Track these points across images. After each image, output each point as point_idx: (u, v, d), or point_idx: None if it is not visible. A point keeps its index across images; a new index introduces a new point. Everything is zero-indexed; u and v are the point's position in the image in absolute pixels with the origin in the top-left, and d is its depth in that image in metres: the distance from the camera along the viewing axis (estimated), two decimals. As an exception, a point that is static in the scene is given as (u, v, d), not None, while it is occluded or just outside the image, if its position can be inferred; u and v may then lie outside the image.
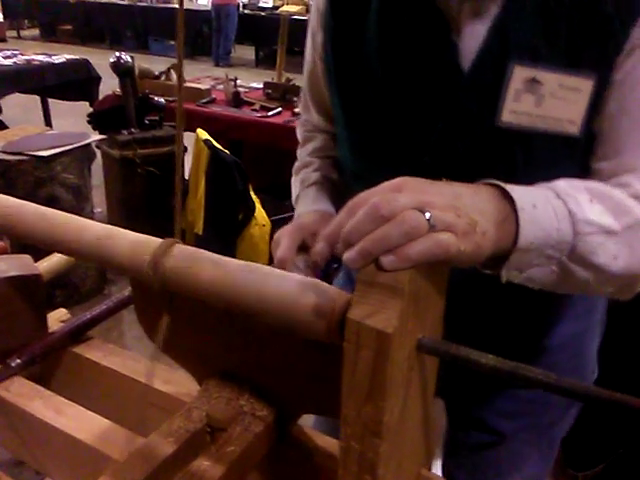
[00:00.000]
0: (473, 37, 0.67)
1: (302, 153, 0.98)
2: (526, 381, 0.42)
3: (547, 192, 0.56)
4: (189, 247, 0.56)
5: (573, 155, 0.68)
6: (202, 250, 0.55)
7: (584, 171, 0.68)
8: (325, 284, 0.50)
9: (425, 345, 0.46)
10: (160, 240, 0.56)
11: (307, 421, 0.69)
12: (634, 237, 0.58)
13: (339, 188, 0.89)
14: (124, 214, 3.03)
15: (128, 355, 0.78)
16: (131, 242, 0.56)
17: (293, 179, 0.96)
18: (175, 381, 0.73)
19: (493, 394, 0.89)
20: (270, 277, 0.50)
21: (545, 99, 0.65)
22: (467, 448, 0.93)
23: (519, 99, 0.66)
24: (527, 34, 0.65)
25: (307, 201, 0.86)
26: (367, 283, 0.43)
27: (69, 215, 0.62)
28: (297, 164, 0.97)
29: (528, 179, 0.66)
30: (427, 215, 0.42)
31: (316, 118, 0.93)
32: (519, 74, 0.65)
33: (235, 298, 0.50)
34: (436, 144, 0.71)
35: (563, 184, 0.58)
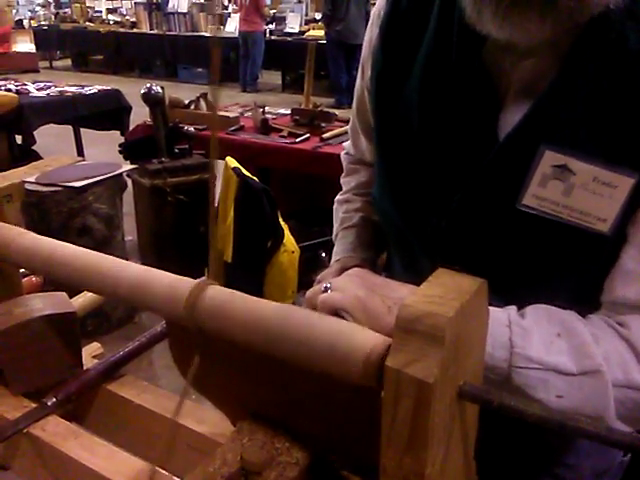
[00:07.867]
0: (516, 111, 0.64)
1: (346, 184, 0.98)
2: (575, 432, 0.41)
3: (503, 316, 0.57)
4: (224, 289, 0.55)
5: (598, 256, 0.62)
6: (237, 292, 0.54)
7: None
8: (364, 328, 0.49)
9: (467, 392, 0.44)
10: (194, 281, 0.56)
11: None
12: (588, 382, 0.56)
13: (379, 228, 0.89)
14: (155, 242, 3.06)
15: (161, 393, 0.78)
16: (166, 285, 0.56)
17: (335, 207, 0.97)
18: (209, 421, 0.72)
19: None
20: (306, 321, 0.49)
21: (575, 190, 0.60)
22: None
23: (545, 184, 0.61)
24: (569, 117, 0.60)
25: (346, 244, 0.88)
26: (406, 330, 0.42)
27: (104, 257, 0.62)
28: (340, 196, 0.98)
29: (546, 271, 0.65)
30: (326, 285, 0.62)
31: (365, 145, 0.91)
32: (549, 158, 0.61)
33: (269, 343, 0.49)
34: (454, 211, 0.68)
35: (533, 311, 0.59)
